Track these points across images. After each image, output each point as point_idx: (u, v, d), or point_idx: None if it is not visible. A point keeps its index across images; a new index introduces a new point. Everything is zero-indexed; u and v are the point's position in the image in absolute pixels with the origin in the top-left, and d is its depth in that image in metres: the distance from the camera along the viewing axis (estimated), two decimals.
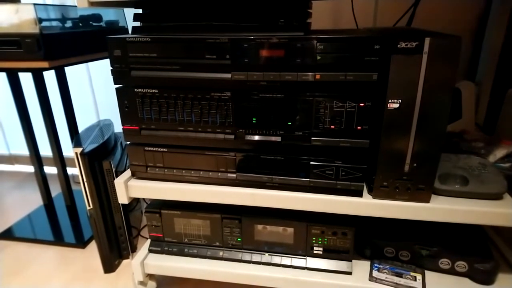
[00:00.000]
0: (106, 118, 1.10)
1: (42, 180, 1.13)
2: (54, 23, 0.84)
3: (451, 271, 0.67)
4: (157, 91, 0.63)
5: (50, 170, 1.21)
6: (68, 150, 1.03)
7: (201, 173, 0.67)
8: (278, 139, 0.62)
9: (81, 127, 1.11)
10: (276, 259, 0.72)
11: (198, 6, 0.63)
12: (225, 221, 0.72)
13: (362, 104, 0.57)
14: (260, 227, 0.71)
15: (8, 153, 1.57)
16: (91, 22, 0.97)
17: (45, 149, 1.12)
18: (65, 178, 1.08)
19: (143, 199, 1.11)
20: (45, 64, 0.77)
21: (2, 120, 1.51)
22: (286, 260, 0.71)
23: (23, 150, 1.31)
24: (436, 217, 0.59)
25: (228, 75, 0.60)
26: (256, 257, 0.73)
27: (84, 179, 0.79)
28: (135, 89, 0.64)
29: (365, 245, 0.72)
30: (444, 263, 0.67)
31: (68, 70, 1.09)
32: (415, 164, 0.57)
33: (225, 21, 0.61)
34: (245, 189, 0.66)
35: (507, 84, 0.87)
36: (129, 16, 1.11)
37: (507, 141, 0.75)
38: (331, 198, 0.62)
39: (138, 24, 0.65)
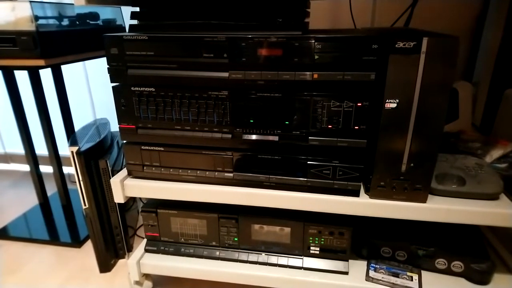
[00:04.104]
0: (103, 116, 1.09)
1: (38, 179, 1.12)
2: (51, 21, 0.83)
3: (448, 271, 0.67)
4: (154, 89, 0.63)
5: (46, 169, 1.21)
6: (64, 149, 1.03)
7: (198, 172, 0.67)
8: (276, 138, 0.62)
9: (77, 126, 1.10)
10: (273, 259, 0.72)
11: (196, 5, 0.62)
12: (222, 221, 0.72)
13: (359, 104, 0.57)
14: (257, 226, 0.71)
15: (3, 151, 1.56)
16: (88, 20, 0.96)
17: (41, 148, 1.12)
18: (61, 177, 1.07)
19: (140, 198, 1.11)
20: (41, 62, 0.76)
21: None
22: (283, 260, 0.71)
23: (19, 148, 1.31)
24: (432, 217, 0.59)
25: (226, 74, 0.59)
26: (253, 257, 0.72)
27: (80, 178, 0.79)
28: (132, 88, 0.63)
29: (362, 245, 0.72)
30: (441, 263, 0.67)
31: (65, 68, 1.08)
32: (412, 164, 0.57)
33: (223, 20, 0.60)
34: (242, 189, 0.65)
35: (504, 84, 0.87)
36: (126, 14, 1.10)
37: (504, 142, 0.75)
38: (328, 197, 0.62)
39: (135, 22, 0.64)
